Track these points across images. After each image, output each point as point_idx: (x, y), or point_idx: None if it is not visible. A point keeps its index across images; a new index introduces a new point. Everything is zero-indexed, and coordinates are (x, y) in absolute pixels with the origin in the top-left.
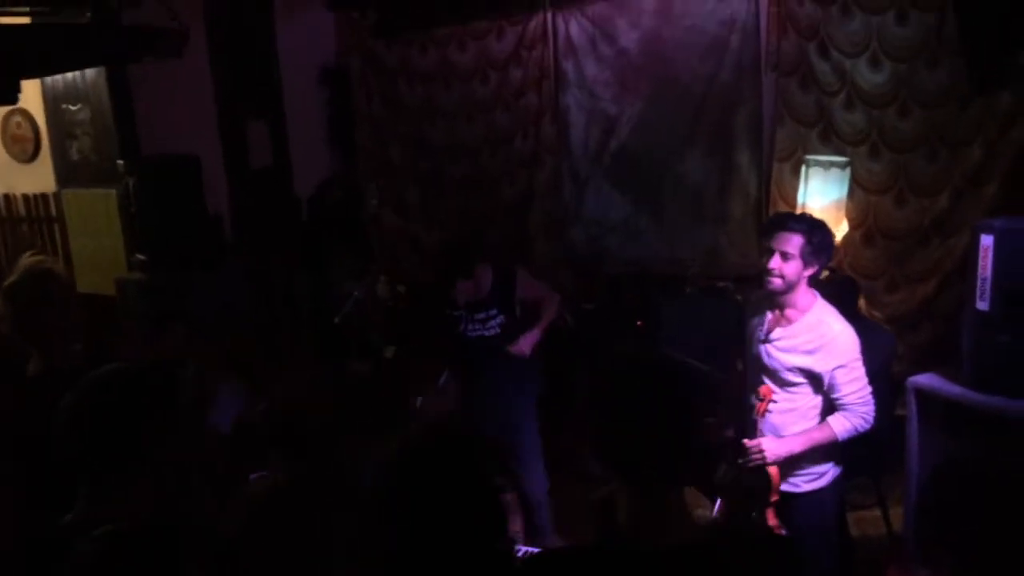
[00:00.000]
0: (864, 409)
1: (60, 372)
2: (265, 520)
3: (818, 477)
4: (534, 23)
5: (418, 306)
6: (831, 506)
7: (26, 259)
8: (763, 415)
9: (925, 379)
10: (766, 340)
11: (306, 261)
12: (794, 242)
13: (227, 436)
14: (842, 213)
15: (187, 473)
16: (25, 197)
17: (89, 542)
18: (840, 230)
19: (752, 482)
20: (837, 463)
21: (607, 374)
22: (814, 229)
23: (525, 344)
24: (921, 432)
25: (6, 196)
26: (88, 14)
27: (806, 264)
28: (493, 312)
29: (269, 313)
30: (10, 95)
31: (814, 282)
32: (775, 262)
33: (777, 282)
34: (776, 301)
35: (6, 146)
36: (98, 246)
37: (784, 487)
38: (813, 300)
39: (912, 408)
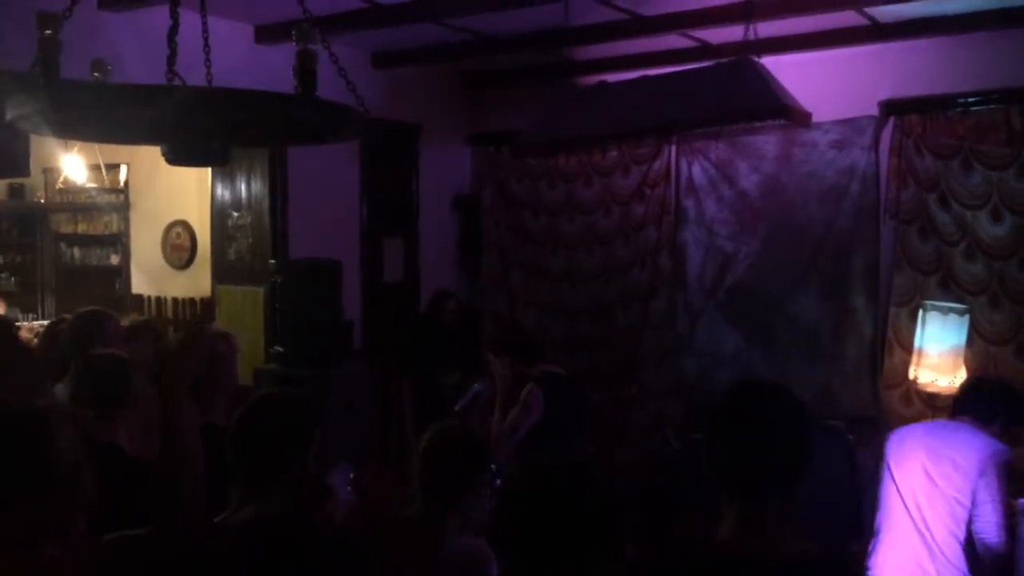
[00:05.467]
0: None
1: (216, 428)
2: None
3: None
4: (659, 163)
5: None
6: None
7: (207, 326)
8: None
9: None
10: None
11: (419, 369)
12: None
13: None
14: (960, 360)
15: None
16: (175, 300)
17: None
18: (958, 377)
19: None
20: None
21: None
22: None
23: None
24: None
25: (158, 299)
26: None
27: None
28: None
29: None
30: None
31: None
32: None
33: None
34: None
35: (165, 254)
36: (242, 338)
37: None
38: None
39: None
